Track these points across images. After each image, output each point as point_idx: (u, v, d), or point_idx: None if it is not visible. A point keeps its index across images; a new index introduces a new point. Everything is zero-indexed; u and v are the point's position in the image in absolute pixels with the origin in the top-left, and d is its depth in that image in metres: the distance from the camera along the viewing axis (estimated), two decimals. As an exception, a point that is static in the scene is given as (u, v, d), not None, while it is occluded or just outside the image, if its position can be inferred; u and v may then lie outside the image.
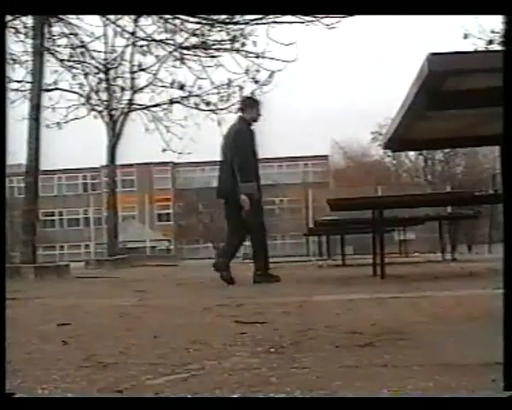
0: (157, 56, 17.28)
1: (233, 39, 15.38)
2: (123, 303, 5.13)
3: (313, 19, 12.70)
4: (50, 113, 16.90)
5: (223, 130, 12.29)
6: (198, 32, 15.87)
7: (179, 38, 16.33)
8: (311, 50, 55.79)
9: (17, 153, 12.77)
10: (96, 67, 17.70)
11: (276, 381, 2.01)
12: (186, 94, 17.36)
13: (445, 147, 18.23)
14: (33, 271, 10.58)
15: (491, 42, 14.18)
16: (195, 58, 16.52)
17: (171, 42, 16.57)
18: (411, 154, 44.99)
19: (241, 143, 7.58)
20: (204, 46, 16.13)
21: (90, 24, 17.37)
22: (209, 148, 17.00)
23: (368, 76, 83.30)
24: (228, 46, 15.70)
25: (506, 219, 1.62)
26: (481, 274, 7.53)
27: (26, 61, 14.63)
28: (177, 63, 16.90)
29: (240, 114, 7.93)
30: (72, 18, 15.68)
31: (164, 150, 18.24)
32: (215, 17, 14.66)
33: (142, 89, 18.18)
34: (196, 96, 17.24)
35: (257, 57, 15.31)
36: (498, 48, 12.11)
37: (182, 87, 17.30)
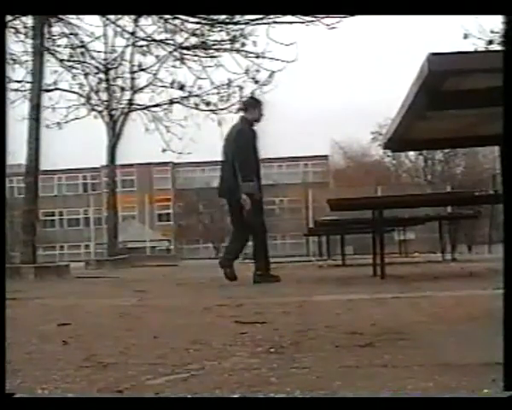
0: (157, 56, 17.32)
1: (233, 39, 15.38)
2: (123, 303, 5.12)
3: (313, 19, 12.70)
4: (50, 113, 16.95)
5: (223, 130, 12.34)
6: (198, 32, 15.87)
7: (179, 38, 16.37)
8: (311, 50, 55.77)
9: (17, 153, 12.80)
10: (96, 67, 17.71)
11: (276, 381, 2.01)
12: (186, 94, 17.38)
13: (445, 147, 18.22)
14: (33, 271, 10.58)
15: (491, 42, 14.18)
16: (195, 58, 16.54)
17: (171, 42, 16.58)
18: (411, 154, 45.02)
19: (242, 142, 7.60)
20: (204, 46, 16.13)
21: (90, 24, 17.45)
22: (209, 148, 17.06)
23: (368, 76, 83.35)
24: (228, 46, 15.71)
25: (506, 219, 1.62)
26: (481, 274, 7.53)
27: (26, 61, 14.66)
28: (177, 63, 16.94)
29: (242, 114, 7.95)
30: (72, 18, 15.70)
31: (164, 150, 18.27)
32: (215, 17, 14.66)
33: (142, 89, 18.19)
34: (196, 96, 17.26)
35: (257, 57, 15.33)
36: (498, 48, 12.12)
37: (182, 87, 17.30)
